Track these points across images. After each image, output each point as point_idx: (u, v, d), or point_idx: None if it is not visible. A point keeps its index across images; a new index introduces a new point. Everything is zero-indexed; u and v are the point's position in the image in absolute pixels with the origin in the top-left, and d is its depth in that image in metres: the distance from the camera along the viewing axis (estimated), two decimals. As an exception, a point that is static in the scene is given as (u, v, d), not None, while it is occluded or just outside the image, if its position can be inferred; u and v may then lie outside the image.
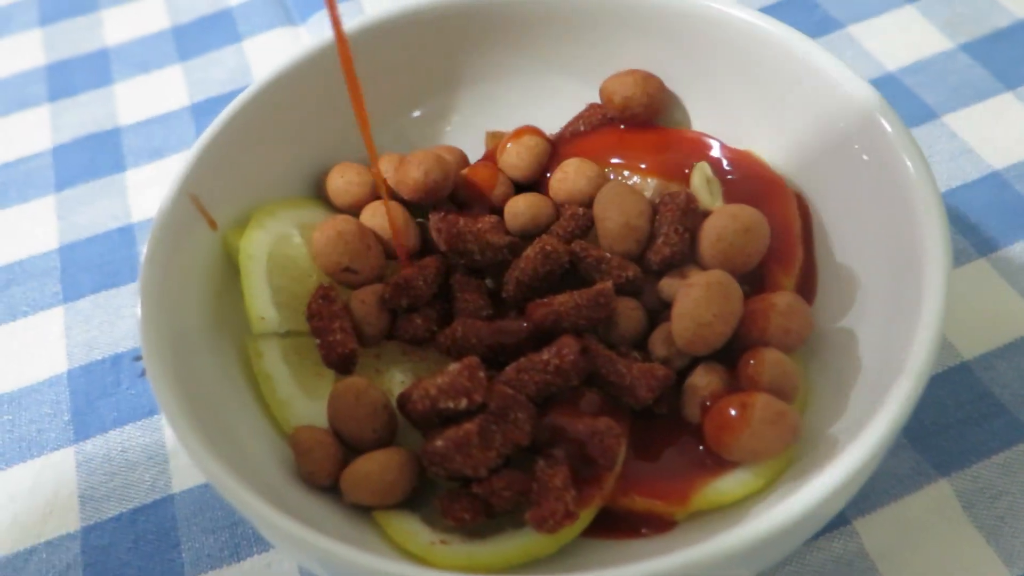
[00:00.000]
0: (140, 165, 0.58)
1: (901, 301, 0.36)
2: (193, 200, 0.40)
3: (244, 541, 0.42)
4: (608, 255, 0.41)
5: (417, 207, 0.45)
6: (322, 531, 0.31)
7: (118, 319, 0.50)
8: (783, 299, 0.38)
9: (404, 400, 0.37)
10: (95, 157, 0.59)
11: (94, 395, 0.47)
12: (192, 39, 0.65)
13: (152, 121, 0.60)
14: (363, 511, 0.37)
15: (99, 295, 0.51)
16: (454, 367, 0.36)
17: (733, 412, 0.36)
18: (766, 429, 0.35)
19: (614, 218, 0.42)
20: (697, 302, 0.37)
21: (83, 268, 0.53)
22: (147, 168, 0.58)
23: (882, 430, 0.31)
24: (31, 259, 0.54)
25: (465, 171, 0.46)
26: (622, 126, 0.47)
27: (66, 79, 0.64)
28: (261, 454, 0.38)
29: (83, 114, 0.61)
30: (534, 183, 0.46)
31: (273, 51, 0.63)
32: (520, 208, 0.44)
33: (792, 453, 0.36)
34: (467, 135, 0.49)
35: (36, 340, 0.50)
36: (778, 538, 0.30)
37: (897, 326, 0.36)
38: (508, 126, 0.48)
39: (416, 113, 0.48)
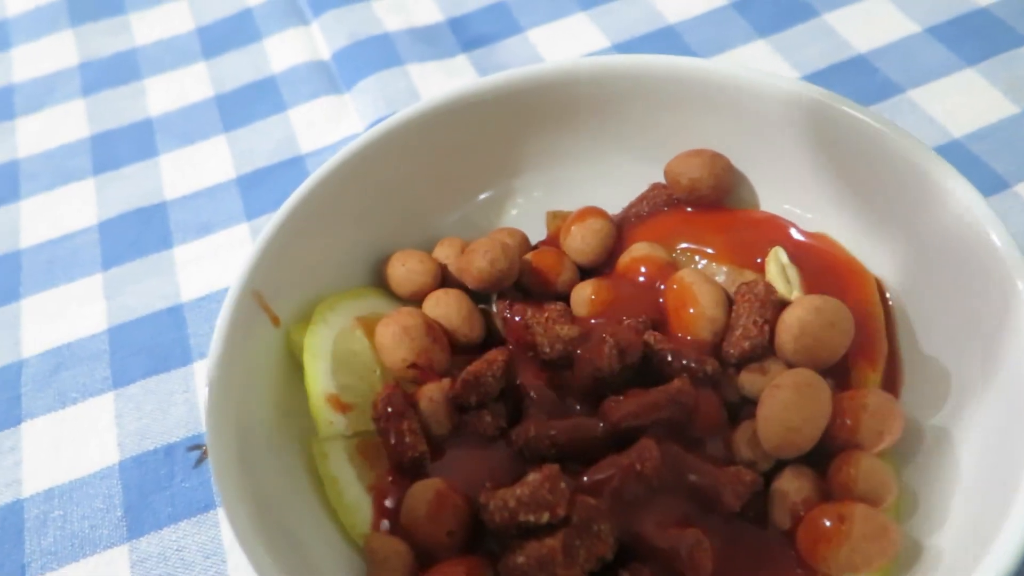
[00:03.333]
0: (188, 241, 0.57)
1: (1003, 399, 0.35)
2: (256, 297, 0.39)
3: (308, 650, 0.40)
4: (683, 348, 0.40)
5: (479, 294, 0.44)
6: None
7: (170, 406, 0.49)
8: (873, 399, 0.37)
9: (480, 510, 0.36)
10: (142, 233, 0.57)
11: (148, 489, 0.46)
12: (237, 108, 0.64)
13: (199, 195, 0.59)
14: (438, 628, 0.36)
15: (149, 380, 0.50)
16: (534, 477, 0.35)
17: (829, 524, 0.34)
18: (867, 544, 0.33)
19: (689, 307, 0.40)
20: (786, 406, 0.35)
21: (133, 352, 0.52)
22: (195, 244, 0.57)
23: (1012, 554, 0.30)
24: (79, 342, 0.52)
25: (530, 256, 0.45)
26: (688, 208, 0.45)
27: (110, 151, 0.63)
28: (326, 561, 0.37)
29: (129, 187, 0.60)
30: (600, 267, 0.45)
31: (319, 120, 0.62)
32: (587, 295, 0.43)
33: (890, 566, 0.34)
34: (528, 216, 0.48)
35: (87, 429, 0.49)
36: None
37: (1002, 428, 0.34)
38: (570, 206, 0.47)
39: (483, 196, 0.47)
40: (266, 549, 0.32)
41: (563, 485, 0.34)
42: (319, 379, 0.39)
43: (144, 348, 0.52)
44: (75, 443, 0.48)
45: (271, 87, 0.66)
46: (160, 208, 0.59)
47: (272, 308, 0.40)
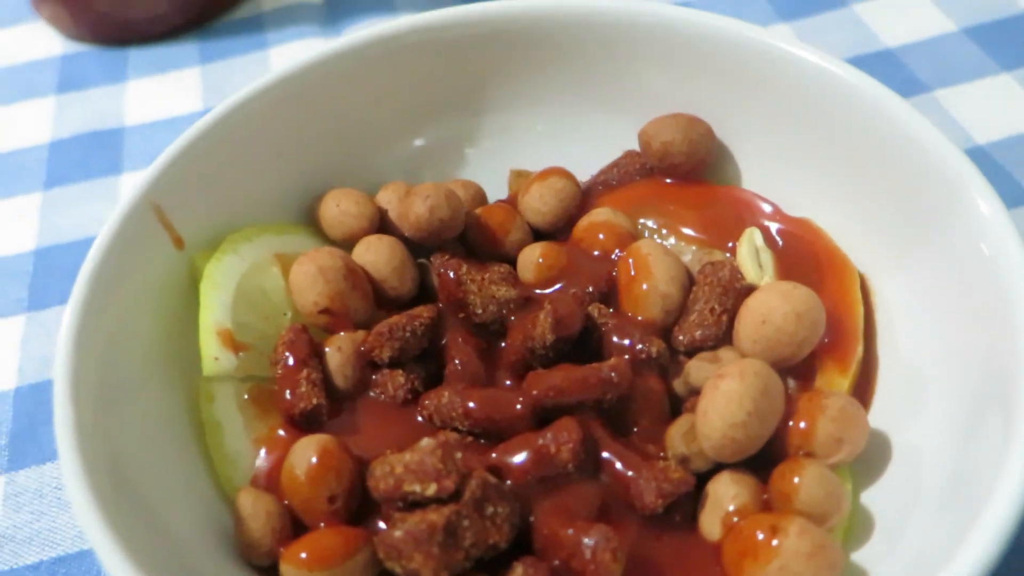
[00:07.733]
0: (138, 169, 0.53)
1: (987, 414, 0.30)
2: (156, 210, 0.35)
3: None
4: (628, 325, 0.35)
5: (420, 246, 0.39)
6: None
7: (82, 337, 0.45)
8: (835, 402, 0.32)
9: (368, 475, 0.31)
10: (92, 156, 0.54)
11: (40, 419, 0.42)
12: (217, 41, 0.61)
13: (158, 124, 0.55)
14: (302, 604, 0.31)
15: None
16: (427, 443, 0.30)
17: (760, 536, 0.29)
18: (799, 563, 0.28)
19: (642, 280, 0.35)
20: (728, 396, 0.30)
21: (56, 276, 0.48)
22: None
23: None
24: (2, 259, 0.49)
25: (479, 211, 0.40)
26: (668, 180, 0.41)
27: (79, 70, 0.60)
28: (184, 519, 0.32)
29: (89, 109, 0.57)
30: (557, 233, 0.40)
31: (299, 61, 0.58)
32: (534, 258, 0.38)
33: (828, 595, 0.29)
34: (488, 171, 0.43)
35: (-11, 349, 0.45)
36: None
37: (979, 446, 0.29)
38: (533, 164, 0.42)
39: (419, 142, 0.42)
40: (94, 496, 0.28)
41: (458, 456, 0.30)
42: (213, 309, 0.34)
43: (70, 273, 0.47)
44: (-26, 362, 0.45)
45: (256, 25, 0.62)
46: (117, 133, 0.55)
47: (177, 228, 0.36)
